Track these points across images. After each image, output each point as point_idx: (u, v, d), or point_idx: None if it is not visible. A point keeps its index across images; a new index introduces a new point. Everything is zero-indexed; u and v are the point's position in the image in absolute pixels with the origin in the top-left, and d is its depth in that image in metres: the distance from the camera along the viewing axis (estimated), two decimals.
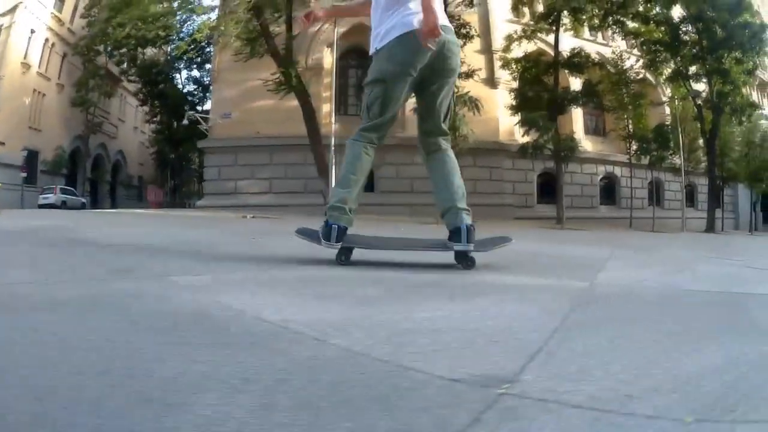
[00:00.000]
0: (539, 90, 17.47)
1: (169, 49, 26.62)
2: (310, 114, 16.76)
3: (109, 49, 24.95)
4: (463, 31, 15.85)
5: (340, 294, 1.81)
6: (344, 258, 2.57)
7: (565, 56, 18.98)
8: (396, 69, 2.47)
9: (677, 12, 21.00)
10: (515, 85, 19.00)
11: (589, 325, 1.50)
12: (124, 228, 5.55)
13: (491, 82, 20.35)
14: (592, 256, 3.99)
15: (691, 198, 25.35)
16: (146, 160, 34.12)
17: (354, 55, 20.69)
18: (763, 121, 29.90)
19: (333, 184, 14.61)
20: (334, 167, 15.16)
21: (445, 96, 2.63)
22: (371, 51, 2.58)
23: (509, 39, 18.83)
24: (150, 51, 26.66)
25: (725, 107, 21.19)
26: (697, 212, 23.84)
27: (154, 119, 29.91)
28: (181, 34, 26.05)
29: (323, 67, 18.48)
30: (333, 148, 15.26)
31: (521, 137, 18.46)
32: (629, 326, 1.49)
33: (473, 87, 16.28)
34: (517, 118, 18.26)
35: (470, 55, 15.75)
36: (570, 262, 3.54)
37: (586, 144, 22.71)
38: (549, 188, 18.50)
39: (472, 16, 18.12)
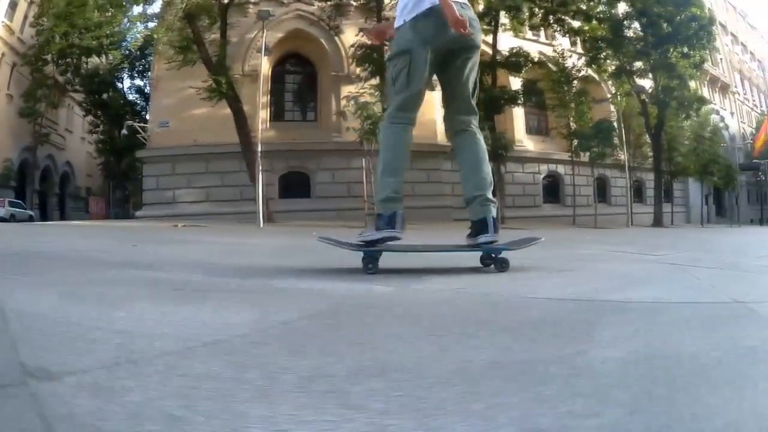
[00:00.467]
0: None
1: (107, 59, 26.28)
2: (242, 121, 16.69)
3: (56, 58, 24.60)
4: None
5: (110, 294, 1.79)
6: (371, 266, 2.37)
7: (505, 55, 19.07)
8: (419, 39, 2.46)
9: (621, 8, 21.16)
10: None
11: (253, 346, 1.13)
12: (29, 239, 5.63)
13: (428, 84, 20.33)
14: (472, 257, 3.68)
15: (639, 193, 25.53)
16: (94, 171, 33.53)
17: (291, 61, 20.60)
18: (714, 116, 30.28)
19: (262, 190, 14.56)
20: (261, 174, 15.03)
21: (470, 71, 2.60)
22: (396, 23, 2.56)
23: None
24: (95, 60, 26.34)
25: (672, 102, 21.41)
26: (646, 207, 24.05)
27: (97, 129, 29.56)
28: (125, 43, 25.77)
29: (260, 74, 18.44)
30: (260, 154, 15.17)
31: None
32: (311, 357, 1.06)
33: None
34: None
35: None
36: (441, 260, 3.09)
37: (528, 143, 22.79)
38: None
39: None
